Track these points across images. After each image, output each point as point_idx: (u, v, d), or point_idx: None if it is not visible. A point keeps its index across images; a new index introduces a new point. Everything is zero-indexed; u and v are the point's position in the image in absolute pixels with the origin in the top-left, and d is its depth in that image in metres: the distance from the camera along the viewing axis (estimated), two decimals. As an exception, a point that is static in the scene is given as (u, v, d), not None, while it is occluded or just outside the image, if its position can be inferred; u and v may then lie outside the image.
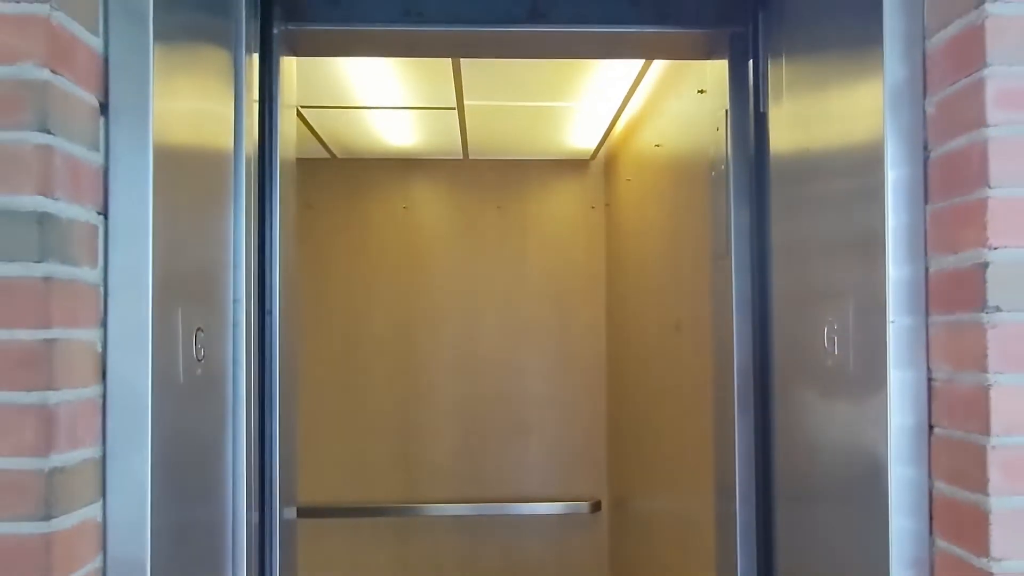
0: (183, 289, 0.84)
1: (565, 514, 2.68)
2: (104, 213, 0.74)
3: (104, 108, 0.75)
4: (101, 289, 0.74)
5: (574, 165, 2.74)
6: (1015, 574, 0.67)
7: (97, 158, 0.74)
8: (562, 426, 2.73)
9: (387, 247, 2.69)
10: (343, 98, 1.97)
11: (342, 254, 2.67)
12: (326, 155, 2.59)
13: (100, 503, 0.74)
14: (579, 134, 2.38)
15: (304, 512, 2.55)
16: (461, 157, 2.64)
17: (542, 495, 2.69)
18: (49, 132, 0.66)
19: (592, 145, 2.52)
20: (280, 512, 1.17)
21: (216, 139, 0.99)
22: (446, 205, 2.72)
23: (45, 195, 0.66)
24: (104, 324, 0.74)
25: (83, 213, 0.71)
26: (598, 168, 2.74)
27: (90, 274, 0.72)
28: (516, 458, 2.72)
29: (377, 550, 2.67)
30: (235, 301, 1.00)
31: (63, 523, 0.68)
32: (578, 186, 2.75)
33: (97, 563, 0.74)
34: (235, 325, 1.00)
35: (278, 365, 1.16)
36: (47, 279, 0.66)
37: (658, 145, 1.83)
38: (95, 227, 0.73)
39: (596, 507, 2.64)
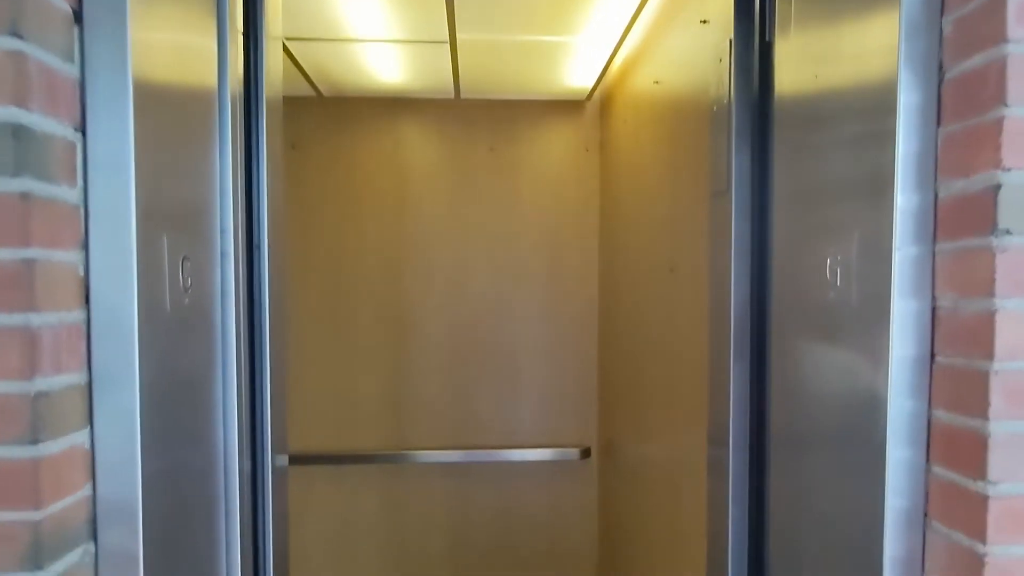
0: (167, 216, 0.81)
1: (555, 460, 2.71)
2: (82, 130, 0.71)
3: (78, 17, 0.70)
4: (81, 211, 0.71)
5: (569, 106, 2.67)
6: (1010, 496, 0.68)
7: (72, 70, 0.69)
8: (553, 371, 2.74)
9: (376, 189, 2.63)
10: (330, 29, 1.89)
11: (330, 196, 2.61)
12: (312, 93, 2.50)
13: (88, 431, 0.72)
14: (575, 72, 2.31)
15: (294, 459, 2.59)
16: (452, 96, 2.56)
17: (532, 441, 2.72)
18: (20, 37, 0.62)
19: (588, 84, 2.44)
20: (272, 459, 1.17)
21: (199, 69, 0.94)
22: (437, 146, 2.65)
23: (19, 106, 0.62)
24: (86, 247, 0.71)
25: (60, 128, 0.67)
26: (593, 109, 2.68)
27: (69, 194, 0.69)
28: (506, 403, 2.73)
29: (367, 496, 2.71)
30: (222, 232, 0.97)
31: (50, 448, 0.66)
32: (572, 127, 2.69)
33: (86, 491, 0.73)
34: (223, 256, 0.97)
35: (268, 300, 1.14)
36: (24, 195, 0.63)
37: (657, 82, 1.78)
38: (72, 144, 0.69)
39: (586, 453, 2.68)
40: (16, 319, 0.63)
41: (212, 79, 0.97)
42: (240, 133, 1.05)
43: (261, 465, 1.15)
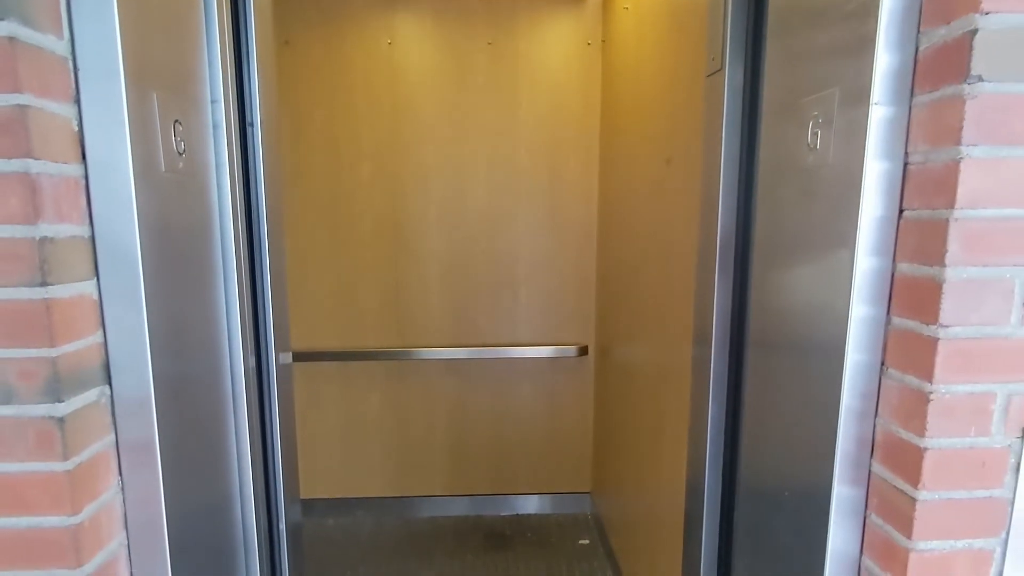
0: (156, 74, 0.82)
1: (553, 358, 2.81)
2: (62, -20, 0.71)
3: None
4: (70, 64, 0.72)
5: (570, -3, 2.57)
6: (958, 339, 0.73)
7: (46, -86, 0.69)
8: (552, 277, 2.78)
9: (372, 88, 2.58)
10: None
11: (323, 94, 2.57)
12: (303, -16, 2.41)
13: (95, 282, 0.77)
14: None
15: (300, 357, 2.68)
16: (449, -14, 2.46)
17: (530, 341, 2.81)
18: None
19: (589, -25, 2.34)
20: (276, 356, 1.23)
21: None
22: (434, 41, 2.57)
23: (-5, -54, 0.62)
24: (78, 102, 0.73)
25: (39, -26, 0.68)
26: (596, 1, 2.58)
27: (57, 44, 0.70)
28: (506, 308, 2.79)
29: (369, 391, 2.82)
30: (213, 102, 0.97)
31: (59, 292, 0.71)
32: (574, 21, 2.59)
33: (97, 338, 0.78)
34: (215, 127, 0.98)
35: (263, 181, 1.16)
36: (11, 39, 0.64)
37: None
38: (54, -7, 0.70)
39: (583, 351, 2.77)
40: (14, 165, 0.66)
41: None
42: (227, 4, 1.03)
43: (266, 362, 1.21)
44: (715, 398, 1.33)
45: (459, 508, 2.92)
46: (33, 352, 0.69)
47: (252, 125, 1.15)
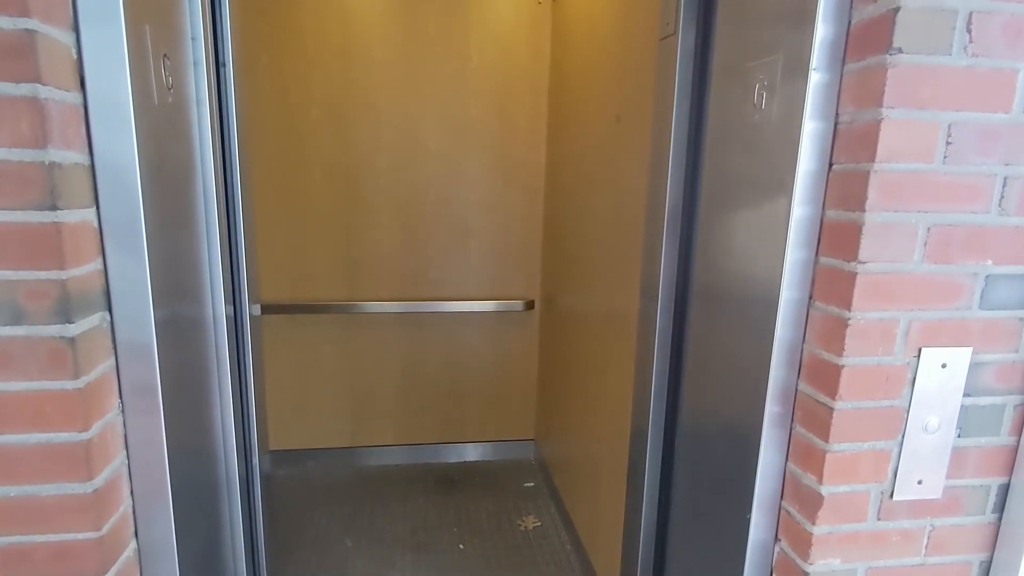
0: (147, 7, 0.83)
1: (500, 311, 2.92)
2: (59, -93, 0.71)
3: None
4: (68, -9, 0.73)
5: (523, -45, 2.60)
6: (873, 273, 0.86)
7: None
8: (500, 229, 2.86)
9: (322, 32, 2.54)
10: None
11: (272, 36, 2.51)
12: (252, -76, 2.33)
13: (94, 210, 0.79)
14: (531, -84, 2.23)
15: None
16: (404, -65, 2.44)
17: (479, 294, 2.90)
18: None
19: (543, -67, 2.37)
20: (249, 307, 1.26)
21: None
22: (387, -8, 2.55)
23: None
24: (76, 30, 0.74)
25: (40, -100, 0.68)
26: (548, -40, 2.62)
27: (56, -29, 0.71)
28: (455, 259, 2.86)
29: (323, 342, 2.85)
30: (193, 39, 0.99)
31: (67, 216, 0.73)
32: (526, -21, 2.63)
33: (98, 264, 0.81)
34: (195, 64, 1.00)
35: (235, 120, 1.18)
36: (18, -38, 0.65)
37: (614, -73, 1.77)
38: (53, -80, 0.70)
39: (530, 306, 2.88)
40: (23, 89, 0.68)
41: None
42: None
43: (240, 312, 1.24)
44: (660, 347, 1.45)
45: (409, 456, 3.02)
46: (44, 275, 0.72)
47: (224, 65, 1.16)
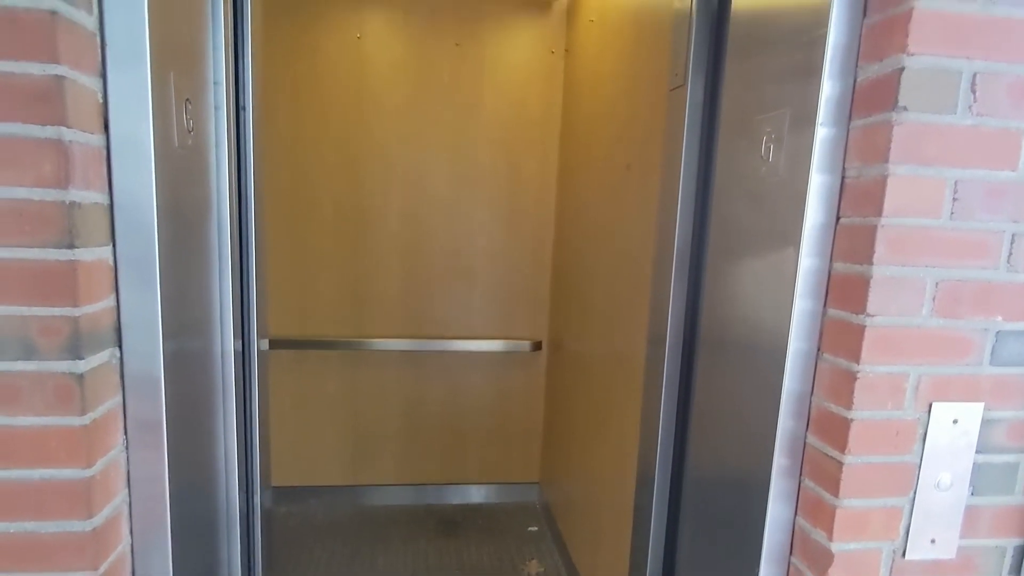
0: (174, 54, 0.86)
1: (507, 351, 2.91)
2: (95, -39, 0.75)
3: None
4: (98, 39, 0.76)
5: (537, 6, 2.68)
6: (881, 326, 0.86)
7: (85, -101, 0.73)
8: (508, 271, 2.87)
9: (339, 78, 2.61)
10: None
11: (292, 83, 2.58)
12: (277, -26, 2.42)
13: (111, 248, 0.81)
14: (545, -30, 2.31)
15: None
16: (422, -15, 2.53)
17: (486, 334, 2.89)
18: None
19: (556, -15, 2.45)
20: (257, 342, 1.27)
21: None
22: (402, 38, 2.63)
23: (44, -73, 0.66)
24: (103, 76, 0.77)
25: (77, -45, 0.72)
26: (560, 10, 2.69)
27: (88, 19, 0.74)
28: (462, 301, 2.87)
29: (327, 378, 2.84)
30: (215, 83, 1.02)
31: (84, 255, 0.75)
32: (539, 29, 2.70)
33: (111, 302, 0.82)
34: (217, 108, 1.03)
35: (252, 162, 1.21)
36: (52, 13, 0.68)
37: (625, -18, 1.83)
38: (88, -27, 0.74)
39: (537, 347, 2.88)
40: (49, 132, 0.70)
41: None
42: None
43: (248, 346, 1.25)
44: (667, 394, 1.44)
45: (412, 497, 2.97)
46: (57, 311, 0.73)
47: (244, 109, 1.19)
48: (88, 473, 0.76)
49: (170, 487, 0.88)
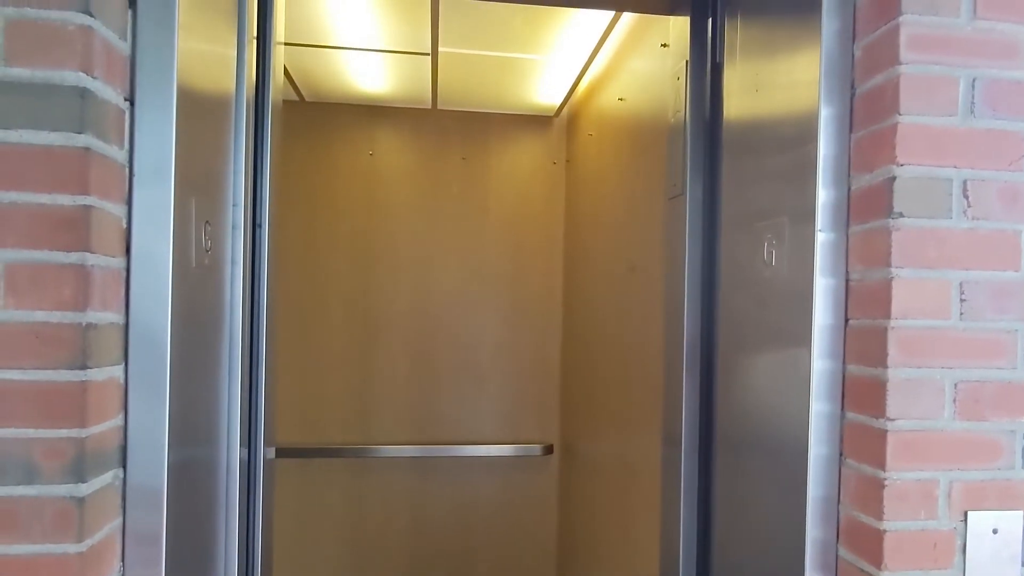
0: (196, 183, 0.91)
1: (518, 456, 2.82)
2: (130, 100, 0.81)
3: (132, 2, 0.80)
4: (126, 170, 0.81)
5: (538, 121, 2.84)
6: (903, 430, 0.84)
7: (126, 47, 0.80)
8: (517, 373, 2.85)
9: (351, 192, 2.73)
10: (319, 36, 2.00)
11: (304, 198, 2.70)
12: (295, 97, 2.60)
13: (123, 367, 0.81)
14: (545, 89, 2.47)
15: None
16: (430, 106, 2.69)
17: (495, 437, 2.82)
18: (90, 14, 0.72)
19: (557, 101, 2.62)
20: (264, 451, 1.25)
21: (222, 70, 1.03)
22: (411, 153, 2.77)
23: (86, 72, 0.72)
24: (129, 203, 0.81)
25: (114, 95, 0.77)
26: (561, 125, 2.85)
27: (119, 153, 0.79)
28: (471, 404, 2.83)
29: (330, 488, 2.75)
30: (234, 205, 1.06)
31: (95, 375, 0.75)
32: (541, 142, 2.85)
33: (118, 421, 0.81)
34: (234, 228, 1.06)
35: (267, 277, 1.24)
36: (86, 149, 0.72)
37: (621, 99, 1.95)
38: (122, 111, 0.79)
39: (548, 450, 2.79)
40: (73, 258, 0.73)
41: (231, 77, 1.07)
42: (251, 122, 1.15)
43: (254, 456, 1.23)
44: (686, 498, 1.38)
45: (418, 617, 2.78)
46: (63, 432, 0.72)
47: (260, 226, 1.23)
48: (80, 607, 0.72)
49: (165, 620, 0.83)
